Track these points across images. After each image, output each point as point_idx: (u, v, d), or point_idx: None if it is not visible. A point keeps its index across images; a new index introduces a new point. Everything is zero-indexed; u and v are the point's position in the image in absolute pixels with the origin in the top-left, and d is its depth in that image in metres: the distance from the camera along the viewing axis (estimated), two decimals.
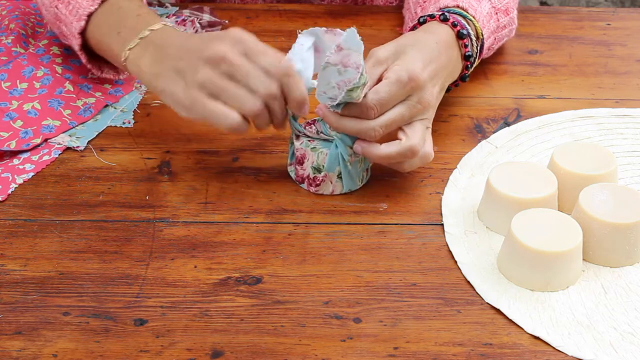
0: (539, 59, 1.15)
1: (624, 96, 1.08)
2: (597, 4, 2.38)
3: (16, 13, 1.17)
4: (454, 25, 0.96)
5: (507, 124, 1.02)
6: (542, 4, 2.41)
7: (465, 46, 0.97)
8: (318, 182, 0.90)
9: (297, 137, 0.90)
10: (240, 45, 0.86)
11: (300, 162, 0.90)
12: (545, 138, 0.99)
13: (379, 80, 0.87)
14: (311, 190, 0.91)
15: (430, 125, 0.91)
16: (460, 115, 1.04)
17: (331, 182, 0.90)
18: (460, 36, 0.96)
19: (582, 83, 1.10)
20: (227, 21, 1.19)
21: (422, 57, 0.89)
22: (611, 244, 0.81)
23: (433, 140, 0.92)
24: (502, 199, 0.84)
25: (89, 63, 1.02)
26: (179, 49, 0.88)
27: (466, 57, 0.97)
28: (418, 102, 0.87)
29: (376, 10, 1.25)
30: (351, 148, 0.88)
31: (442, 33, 0.95)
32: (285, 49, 1.17)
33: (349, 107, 0.86)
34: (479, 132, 1.01)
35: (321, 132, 0.89)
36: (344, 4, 1.27)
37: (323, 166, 0.89)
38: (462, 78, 1.00)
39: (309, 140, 0.90)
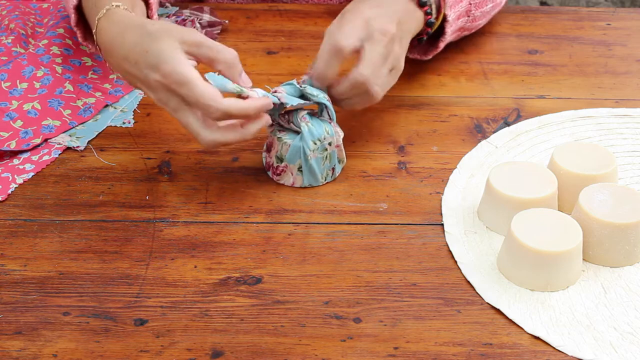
0: (539, 59, 1.15)
1: (624, 96, 1.08)
2: (597, 4, 2.38)
3: (16, 13, 1.17)
4: None
5: (507, 124, 1.02)
6: (542, 4, 2.41)
7: (428, 14, 0.98)
8: (279, 172, 0.91)
9: (271, 125, 0.90)
10: (165, 80, 0.85)
11: (269, 149, 0.92)
12: (545, 138, 0.99)
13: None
14: (274, 179, 0.92)
15: (396, 66, 0.92)
16: (460, 115, 1.04)
17: (292, 174, 0.91)
18: (420, 4, 0.97)
19: (582, 83, 1.10)
20: (227, 21, 1.19)
21: (378, 9, 0.92)
22: (611, 244, 0.81)
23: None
24: (502, 199, 0.84)
25: (85, 40, 1.02)
26: (121, 55, 0.88)
27: (428, 23, 0.99)
28: (376, 31, 0.90)
29: None
30: (314, 143, 0.89)
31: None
32: (286, 49, 1.17)
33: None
34: (479, 132, 1.01)
35: (291, 122, 0.90)
36: (344, 4, 1.27)
37: (284, 157, 0.90)
38: (418, 40, 1.01)
39: (279, 130, 0.91)
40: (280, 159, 0.90)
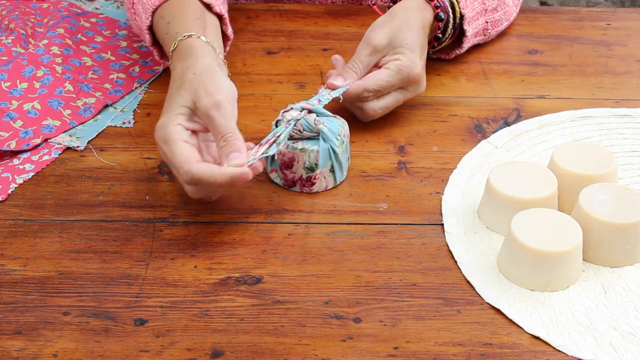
0: (539, 59, 1.15)
1: (624, 96, 1.08)
2: (597, 4, 2.38)
3: (16, 13, 1.17)
4: (435, 7, 1.02)
5: (507, 124, 1.02)
6: (542, 4, 2.41)
7: (439, 28, 1.04)
8: (313, 181, 0.90)
9: (277, 142, 0.88)
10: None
11: (289, 165, 0.90)
12: (545, 138, 0.99)
13: (376, 66, 0.97)
14: (304, 191, 0.91)
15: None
16: (460, 115, 1.04)
17: (324, 178, 0.90)
18: (437, 18, 1.03)
19: (582, 83, 1.10)
20: None
21: (419, 49, 0.98)
22: (611, 244, 0.81)
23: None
24: (502, 199, 0.84)
25: (162, 58, 1.04)
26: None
27: (435, 38, 1.05)
28: (414, 92, 0.99)
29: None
30: (337, 139, 0.89)
31: (425, 12, 1.02)
32: (286, 49, 1.17)
33: (347, 92, 0.96)
34: (479, 132, 1.01)
35: (304, 130, 0.89)
36: (344, 4, 1.27)
37: (316, 164, 0.89)
38: None
39: (294, 142, 0.89)
40: (311, 169, 0.89)
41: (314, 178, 0.90)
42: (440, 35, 1.05)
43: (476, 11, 1.09)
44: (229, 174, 0.81)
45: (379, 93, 0.97)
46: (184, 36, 0.91)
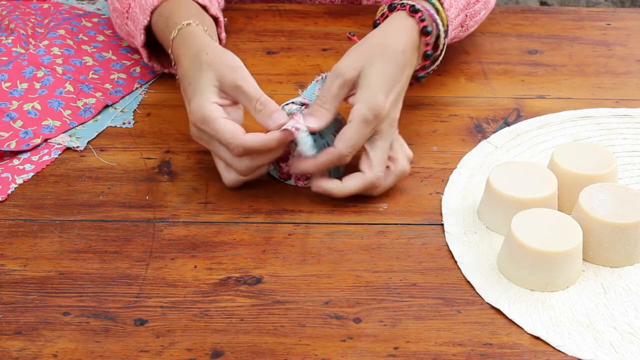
0: (539, 59, 1.15)
1: (624, 96, 1.08)
2: (597, 4, 2.38)
3: (16, 13, 1.17)
4: (420, 20, 0.93)
5: (507, 124, 1.02)
6: (542, 4, 2.41)
7: (427, 44, 0.95)
8: (308, 175, 0.90)
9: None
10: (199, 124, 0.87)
11: (284, 158, 0.90)
12: (545, 138, 0.99)
13: (346, 98, 0.88)
14: (299, 185, 0.91)
15: (398, 137, 0.91)
16: (460, 115, 1.04)
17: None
18: (424, 32, 0.93)
19: (582, 83, 1.10)
20: (226, 19, 1.19)
21: (386, 81, 0.88)
22: (611, 244, 0.81)
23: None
24: (502, 199, 0.84)
25: (150, 60, 1.05)
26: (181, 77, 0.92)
27: (425, 56, 0.95)
28: (382, 129, 0.88)
29: (376, 10, 1.24)
30: (333, 135, 0.88)
31: (409, 32, 0.92)
32: (286, 49, 1.17)
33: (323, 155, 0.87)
34: (479, 132, 1.01)
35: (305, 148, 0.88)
36: (344, 4, 1.27)
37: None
38: (417, 78, 0.98)
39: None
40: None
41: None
42: (430, 52, 0.95)
43: (459, 9, 1.01)
44: (278, 136, 0.85)
45: (354, 149, 0.87)
46: (184, 24, 0.94)
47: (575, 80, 1.11)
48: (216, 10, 1.04)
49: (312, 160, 0.87)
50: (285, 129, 0.85)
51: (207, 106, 0.86)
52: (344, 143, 0.86)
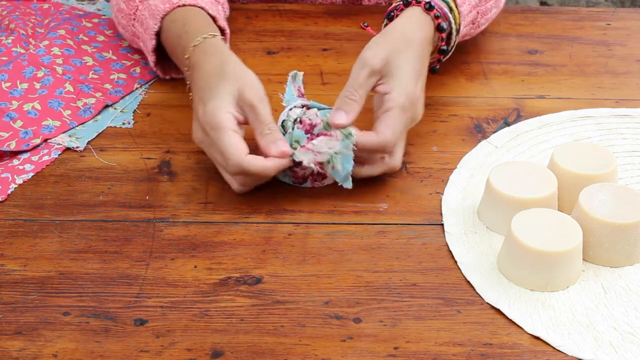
0: (539, 59, 1.15)
1: (624, 96, 1.08)
2: (597, 4, 2.38)
3: (16, 13, 1.17)
4: (436, 17, 0.97)
5: (507, 124, 1.02)
6: (542, 4, 2.41)
7: (442, 40, 0.99)
8: (325, 175, 0.90)
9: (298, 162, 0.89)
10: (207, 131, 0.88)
11: (299, 163, 0.89)
12: (545, 138, 0.99)
13: (374, 88, 0.90)
14: (315, 186, 0.91)
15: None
16: (460, 115, 1.04)
17: (334, 168, 0.88)
18: (439, 29, 0.97)
19: (582, 83, 1.10)
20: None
21: (414, 71, 0.91)
22: (611, 244, 0.81)
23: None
24: (502, 199, 0.84)
25: (156, 66, 1.06)
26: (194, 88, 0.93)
27: (440, 51, 1.00)
28: (413, 118, 0.92)
29: (376, 10, 1.24)
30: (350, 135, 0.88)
31: (425, 26, 0.96)
32: (285, 49, 1.17)
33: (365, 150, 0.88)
34: (479, 132, 1.01)
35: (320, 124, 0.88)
36: (344, 4, 1.27)
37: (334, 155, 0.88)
38: (431, 70, 1.01)
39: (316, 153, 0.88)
40: (327, 161, 0.88)
41: (327, 170, 0.89)
42: (445, 47, 1.00)
43: (471, 5, 1.04)
44: (277, 165, 0.86)
45: (397, 137, 0.89)
46: (210, 35, 0.95)
47: (575, 80, 1.11)
48: (223, 21, 1.05)
49: (344, 115, 0.87)
50: (285, 160, 0.86)
51: (222, 114, 0.86)
52: (391, 130, 0.88)
